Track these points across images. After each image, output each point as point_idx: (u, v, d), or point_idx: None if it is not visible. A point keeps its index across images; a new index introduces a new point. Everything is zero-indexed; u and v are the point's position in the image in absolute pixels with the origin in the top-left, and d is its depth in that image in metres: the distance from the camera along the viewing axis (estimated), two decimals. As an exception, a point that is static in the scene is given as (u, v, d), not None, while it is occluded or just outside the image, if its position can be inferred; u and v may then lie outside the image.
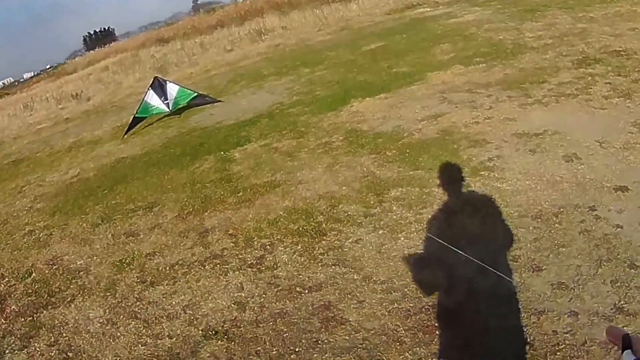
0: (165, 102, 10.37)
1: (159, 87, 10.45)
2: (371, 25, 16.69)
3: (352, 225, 4.32)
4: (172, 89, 10.50)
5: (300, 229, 4.48)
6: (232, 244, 4.54)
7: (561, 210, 3.85)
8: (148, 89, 10.51)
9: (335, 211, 4.64)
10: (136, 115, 10.26)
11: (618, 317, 2.77)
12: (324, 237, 4.25)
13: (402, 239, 3.97)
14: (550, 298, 3.04)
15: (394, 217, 4.31)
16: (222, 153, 7.18)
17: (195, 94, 10.60)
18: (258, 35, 21.46)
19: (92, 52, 54.25)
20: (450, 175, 4.77)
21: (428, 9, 16.58)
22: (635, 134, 4.75)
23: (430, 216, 4.19)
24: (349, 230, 4.27)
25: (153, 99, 10.40)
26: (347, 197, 4.86)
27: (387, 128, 6.50)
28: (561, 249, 3.43)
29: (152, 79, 10.85)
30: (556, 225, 3.70)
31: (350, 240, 4.12)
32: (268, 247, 4.34)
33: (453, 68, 8.54)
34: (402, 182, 4.89)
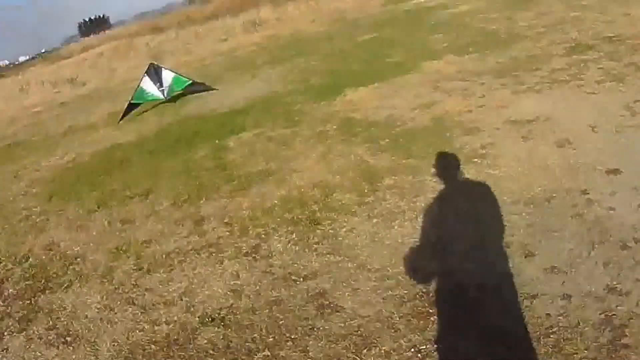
0: (161, 89, 10.34)
1: (155, 73, 10.41)
2: (365, 17, 16.63)
3: (347, 214, 4.35)
4: (168, 76, 10.45)
5: (295, 217, 4.50)
6: (227, 233, 4.56)
7: (553, 195, 3.89)
8: (143, 75, 10.45)
9: (329, 200, 4.66)
10: (131, 102, 10.23)
11: (610, 297, 2.82)
12: (319, 226, 4.27)
13: (396, 227, 4.00)
14: (544, 282, 3.07)
15: (388, 205, 4.34)
16: (217, 141, 7.18)
17: (191, 81, 10.54)
18: (252, 26, 21.41)
19: (86, 38, 53.47)
20: (444, 163, 4.80)
21: (422, 0, 16.53)
22: (626, 116, 4.81)
23: (424, 205, 4.22)
24: (343, 219, 4.30)
25: (148, 85, 10.36)
26: (341, 185, 4.88)
27: (381, 117, 6.53)
28: (554, 234, 3.46)
29: (147, 66, 10.80)
30: (549, 210, 3.74)
31: (344, 229, 4.14)
32: (263, 235, 4.36)
33: (446, 58, 8.57)
34: (395, 170, 4.92)
